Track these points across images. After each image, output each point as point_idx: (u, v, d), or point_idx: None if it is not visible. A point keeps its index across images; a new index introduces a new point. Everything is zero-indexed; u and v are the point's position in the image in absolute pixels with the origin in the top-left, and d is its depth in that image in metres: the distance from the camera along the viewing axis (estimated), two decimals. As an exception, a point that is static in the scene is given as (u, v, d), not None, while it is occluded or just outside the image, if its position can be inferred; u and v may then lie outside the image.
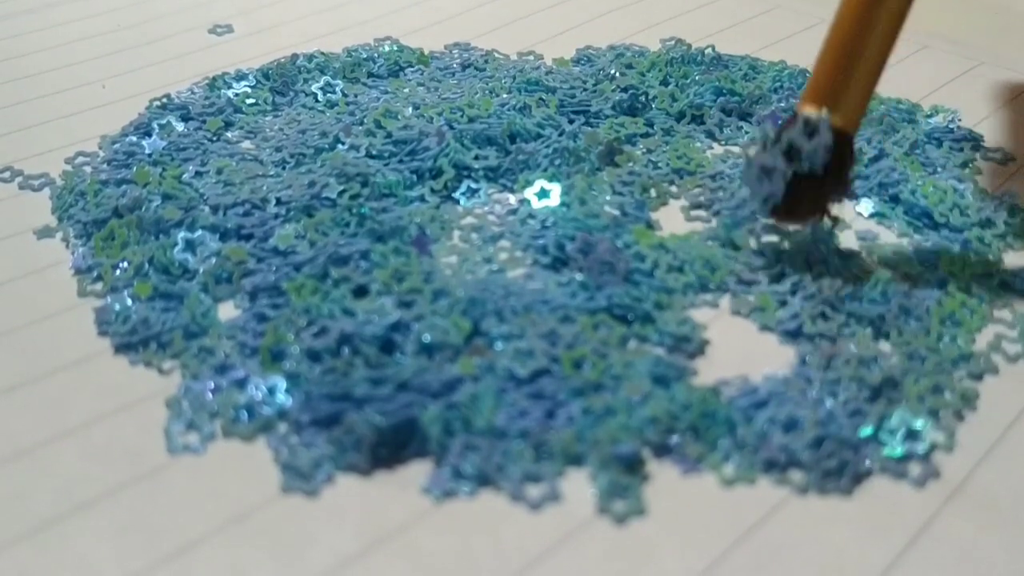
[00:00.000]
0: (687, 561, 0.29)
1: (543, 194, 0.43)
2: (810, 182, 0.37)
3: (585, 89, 0.51)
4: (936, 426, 0.33)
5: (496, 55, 0.56)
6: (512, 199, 0.43)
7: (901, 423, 0.32)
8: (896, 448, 0.32)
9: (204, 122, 0.48)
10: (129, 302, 0.37)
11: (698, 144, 0.48)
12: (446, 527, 0.30)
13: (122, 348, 0.35)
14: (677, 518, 0.30)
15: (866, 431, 0.32)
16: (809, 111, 0.37)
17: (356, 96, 0.51)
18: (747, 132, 0.49)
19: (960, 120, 0.50)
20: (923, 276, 0.39)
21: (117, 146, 0.47)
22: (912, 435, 0.32)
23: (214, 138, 0.47)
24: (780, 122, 0.49)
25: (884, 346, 0.36)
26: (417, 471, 0.31)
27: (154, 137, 0.47)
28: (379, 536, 0.29)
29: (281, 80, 0.52)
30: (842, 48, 0.37)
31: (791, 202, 0.37)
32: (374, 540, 0.29)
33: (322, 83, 0.51)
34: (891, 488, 0.31)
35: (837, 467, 0.31)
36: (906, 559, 0.29)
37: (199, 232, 0.40)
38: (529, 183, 0.43)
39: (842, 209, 0.39)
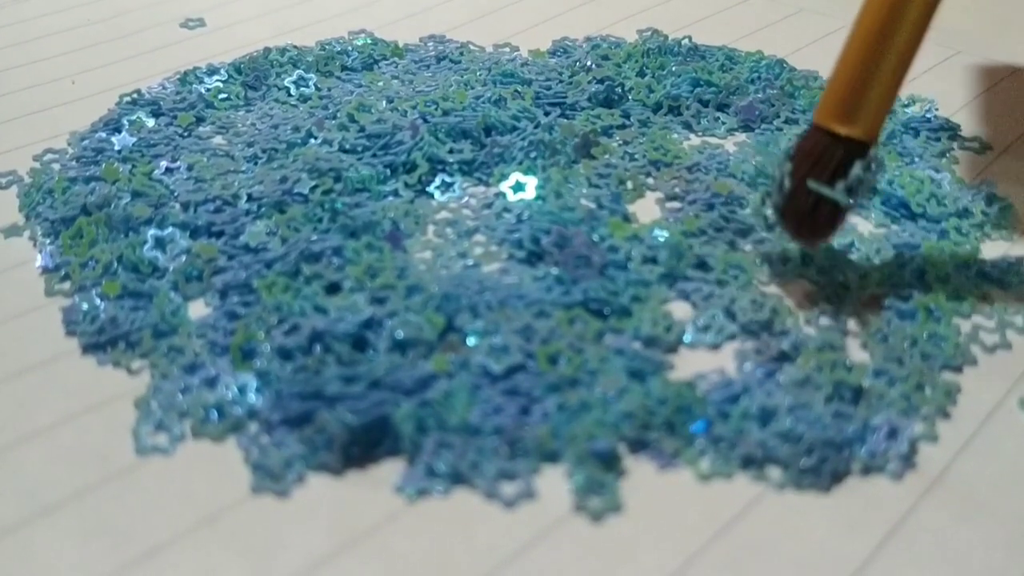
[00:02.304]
0: (664, 558, 0.29)
1: (518, 187, 0.42)
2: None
3: (561, 81, 0.51)
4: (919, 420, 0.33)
5: (471, 47, 0.56)
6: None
7: None
8: None
9: (175, 117, 0.48)
10: (97, 301, 0.36)
11: (675, 135, 0.48)
12: (419, 527, 0.29)
13: (90, 348, 0.35)
14: (654, 514, 0.30)
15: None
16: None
17: (329, 90, 0.50)
18: (724, 123, 0.49)
19: (937, 109, 0.50)
20: (901, 269, 0.39)
21: (86, 143, 0.46)
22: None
23: (185, 134, 0.47)
24: (757, 113, 0.48)
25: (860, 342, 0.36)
26: (390, 470, 0.31)
27: (124, 133, 0.46)
28: (351, 537, 0.29)
29: (253, 74, 0.51)
30: (863, 58, 0.35)
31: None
32: (346, 541, 0.29)
33: (295, 77, 0.50)
34: (869, 481, 0.31)
35: (816, 464, 0.31)
36: (884, 552, 0.29)
37: (169, 229, 0.39)
38: (504, 176, 0.43)
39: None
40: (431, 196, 0.43)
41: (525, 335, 0.34)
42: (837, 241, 0.40)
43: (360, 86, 0.51)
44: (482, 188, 0.44)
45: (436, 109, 0.46)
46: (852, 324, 0.37)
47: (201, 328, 0.35)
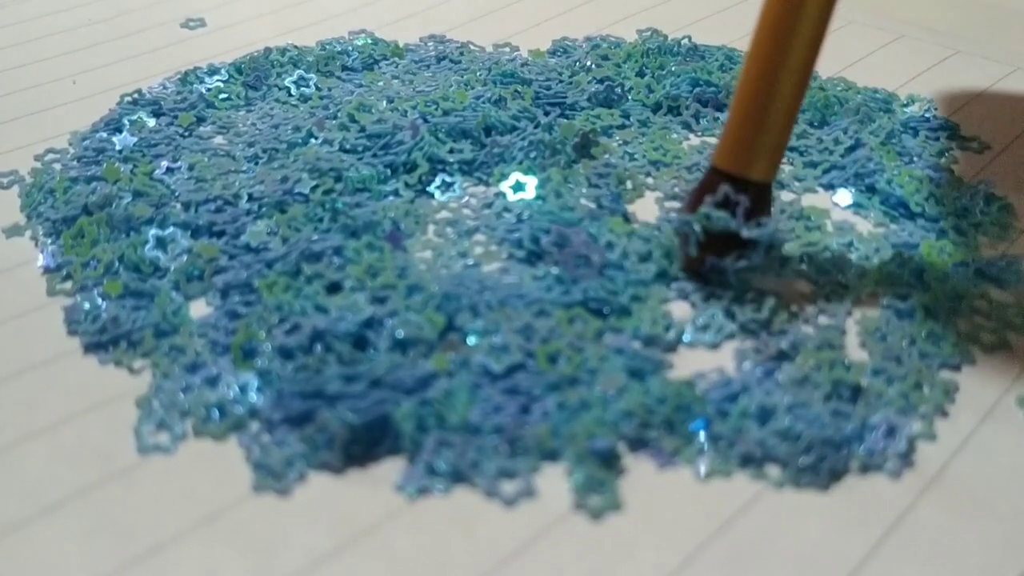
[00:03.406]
0: (663, 556, 0.29)
1: (518, 187, 0.42)
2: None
3: (561, 81, 0.51)
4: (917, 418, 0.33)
5: (472, 47, 0.56)
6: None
7: None
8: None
9: (176, 117, 0.48)
10: (99, 301, 0.36)
11: (674, 135, 0.48)
12: (420, 525, 0.29)
13: (92, 347, 0.35)
14: (653, 512, 0.30)
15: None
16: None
17: (330, 90, 0.50)
18: (723, 123, 0.49)
19: (936, 109, 0.50)
20: (900, 268, 0.39)
21: (87, 142, 0.46)
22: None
23: (186, 134, 0.47)
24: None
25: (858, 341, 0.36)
26: (390, 468, 0.31)
27: (125, 133, 0.46)
28: (352, 535, 0.29)
29: (254, 74, 0.51)
30: (754, 101, 0.36)
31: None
32: (347, 539, 0.29)
33: (295, 77, 0.51)
34: (867, 480, 0.31)
35: (814, 463, 0.31)
36: (882, 550, 0.29)
37: (170, 229, 0.39)
38: (504, 176, 0.43)
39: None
40: (431, 196, 0.43)
41: (525, 334, 0.35)
42: (836, 240, 0.40)
43: (360, 86, 0.51)
44: (482, 188, 0.44)
45: (436, 109, 0.47)
46: (850, 323, 0.37)
47: (202, 327, 0.35)
